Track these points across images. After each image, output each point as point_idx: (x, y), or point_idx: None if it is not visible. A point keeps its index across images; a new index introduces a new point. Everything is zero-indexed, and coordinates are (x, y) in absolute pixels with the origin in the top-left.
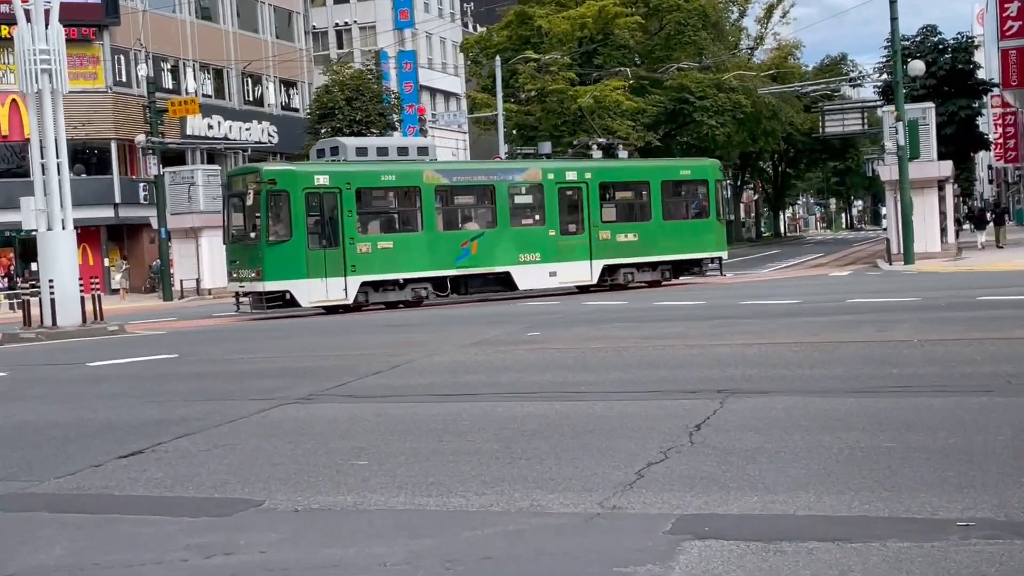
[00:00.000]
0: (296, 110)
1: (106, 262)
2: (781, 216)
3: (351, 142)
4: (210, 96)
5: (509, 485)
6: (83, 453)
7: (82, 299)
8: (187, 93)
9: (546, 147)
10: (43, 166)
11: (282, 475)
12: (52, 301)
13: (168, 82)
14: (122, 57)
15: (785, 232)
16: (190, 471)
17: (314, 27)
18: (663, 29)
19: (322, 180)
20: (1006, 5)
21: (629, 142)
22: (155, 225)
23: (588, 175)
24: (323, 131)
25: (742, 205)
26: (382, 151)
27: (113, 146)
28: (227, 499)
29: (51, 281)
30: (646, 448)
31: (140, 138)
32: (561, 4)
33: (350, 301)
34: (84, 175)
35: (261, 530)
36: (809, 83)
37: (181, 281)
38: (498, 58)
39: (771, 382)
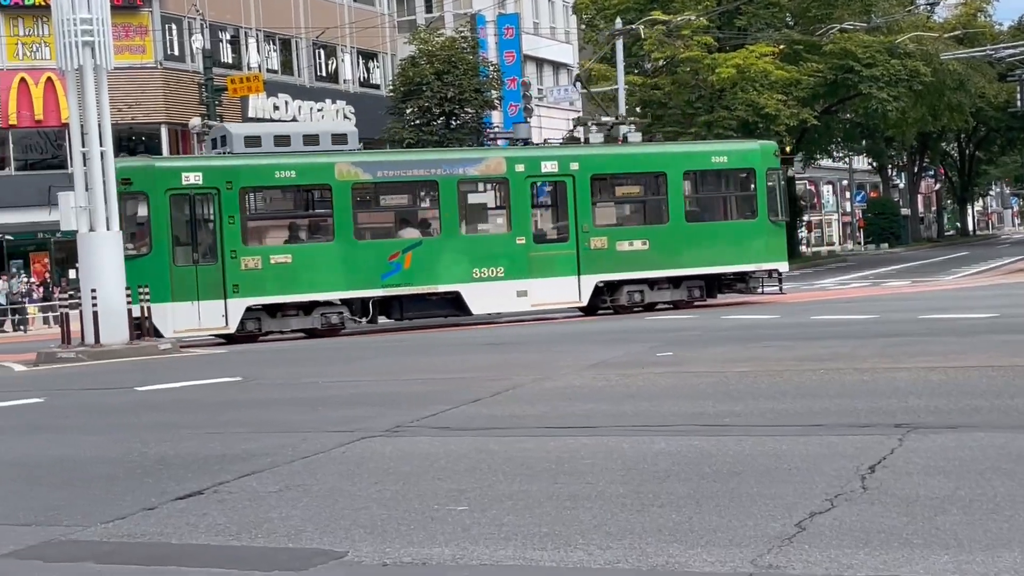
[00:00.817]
0: (377, 86)
1: None
2: (969, 210)
3: (239, 129)
4: (276, 72)
5: (639, 537)
6: (133, 493)
7: (129, 312)
8: (249, 68)
9: (522, 131)
10: (84, 155)
11: (367, 522)
12: (95, 314)
13: (227, 56)
14: (174, 27)
15: (974, 230)
16: (258, 516)
17: None
18: None
19: (192, 178)
20: None
21: (780, 120)
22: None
23: (575, 165)
24: (408, 111)
25: (920, 197)
26: (282, 140)
27: (164, 131)
28: (303, 550)
29: (93, 291)
30: (808, 494)
31: (195, 122)
32: None
33: (232, 329)
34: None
35: None
36: (1004, 45)
37: None
38: (619, 20)
39: (962, 415)
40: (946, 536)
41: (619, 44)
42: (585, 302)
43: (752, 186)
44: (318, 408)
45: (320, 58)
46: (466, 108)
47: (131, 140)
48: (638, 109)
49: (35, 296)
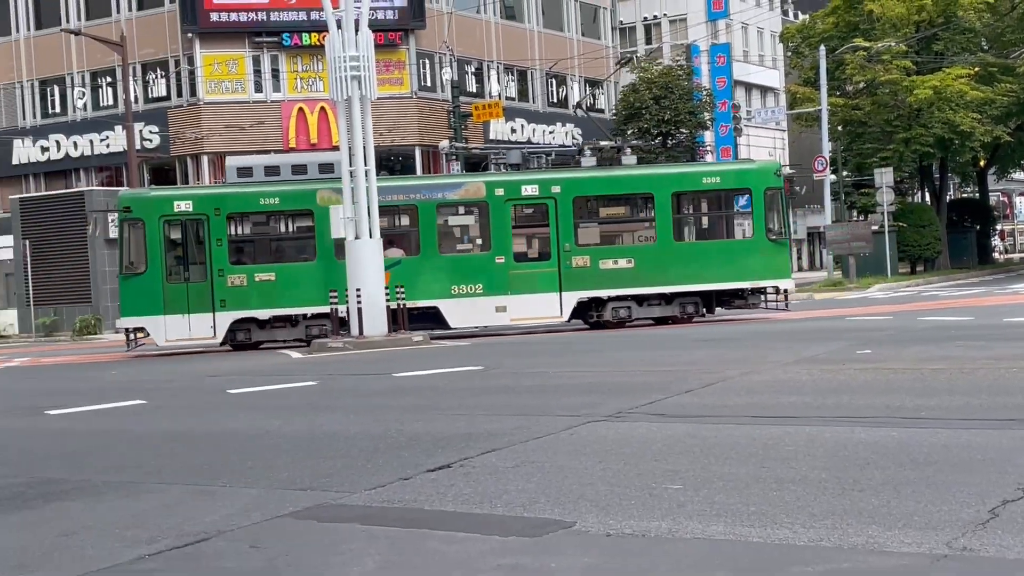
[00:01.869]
0: (601, 111)
1: None
2: None
3: (233, 162)
4: (513, 99)
5: (840, 519)
6: (391, 465)
7: (387, 309)
8: (490, 96)
9: (515, 156)
10: (351, 174)
11: (592, 496)
12: (359, 311)
13: (471, 85)
14: (427, 61)
15: None
16: (498, 488)
17: (621, 22)
18: (1016, 8)
19: (183, 206)
20: None
21: (975, 137)
22: None
23: (556, 188)
24: (629, 132)
25: None
26: (271, 170)
27: (417, 152)
28: (537, 519)
29: (358, 290)
30: (1001, 483)
31: (444, 144)
32: None
33: (219, 340)
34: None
35: (573, 554)
36: None
37: None
38: (822, 47)
39: None
40: None
41: (822, 68)
42: (566, 317)
43: (748, 205)
44: (548, 395)
45: (551, 86)
46: (681, 129)
47: (389, 160)
48: (840, 128)
49: None
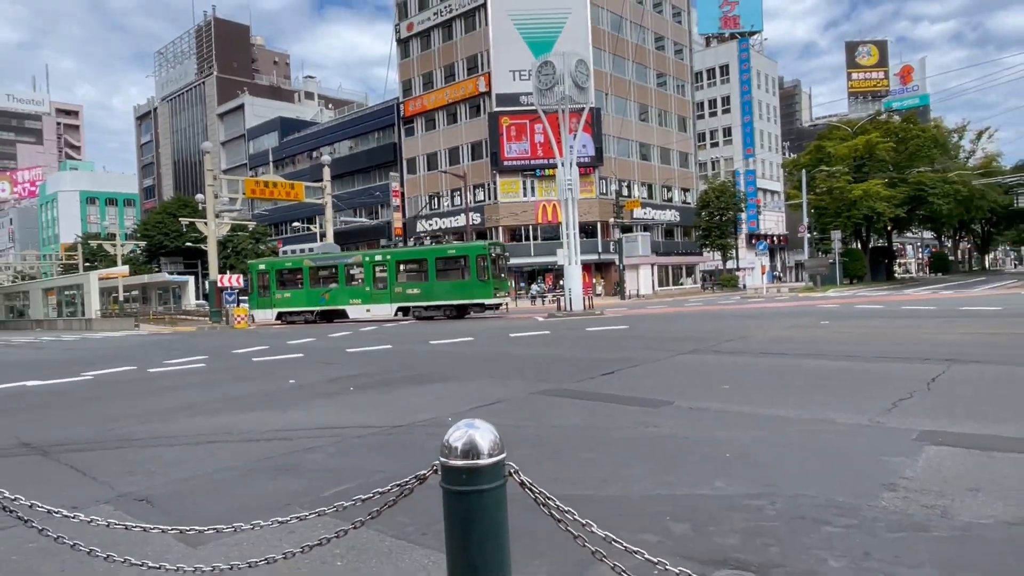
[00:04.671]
0: (689, 203)
1: (594, 280)
2: (986, 258)
3: (318, 246)
4: (644, 198)
5: (811, 407)
6: (588, 372)
7: (583, 298)
8: (632, 197)
9: (332, 246)
10: (568, 235)
11: (680, 390)
12: (570, 300)
13: (624, 191)
14: (604, 180)
15: (989, 268)
16: (634, 384)
17: (699, 160)
18: (907, 150)
19: (262, 267)
20: None
21: (883, 215)
22: (619, 262)
23: (389, 256)
24: (703, 214)
25: (959, 251)
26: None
27: (598, 225)
28: (654, 399)
29: (570, 289)
30: (898, 391)
31: (612, 221)
32: (842, 139)
33: (278, 321)
34: (584, 238)
35: (673, 417)
36: (1008, 177)
37: (628, 289)
38: (804, 171)
39: (985, 356)
40: (973, 414)
41: (804, 181)
42: (392, 315)
43: (467, 264)
44: (655, 343)
45: (663, 192)
46: (727, 213)
47: (585, 229)
48: (812, 211)
49: (543, 291)
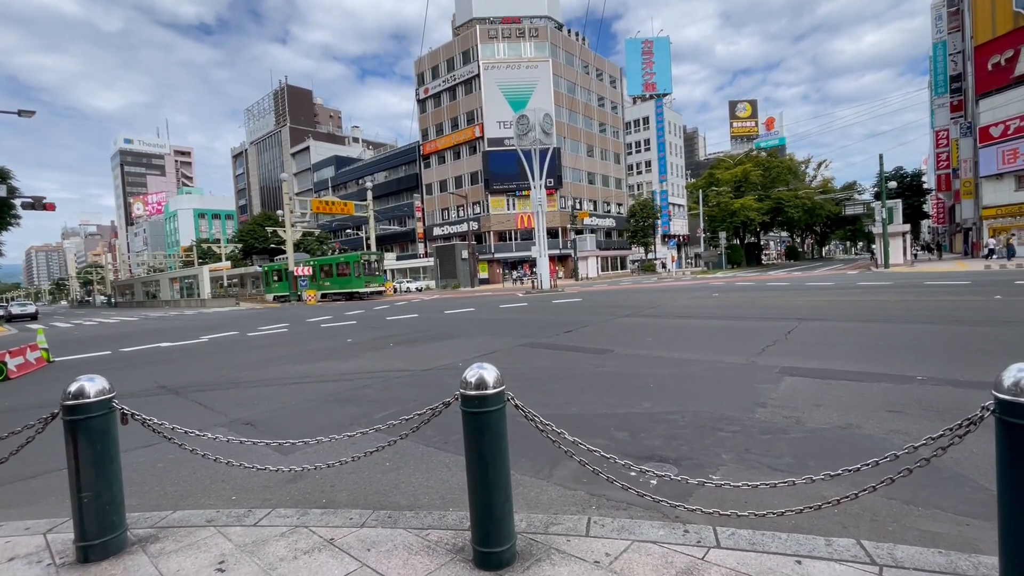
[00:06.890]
0: (621, 214)
1: (557, 268)
2: (823, 250)
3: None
4: (592, 210)
5: (708, 352)
6: (548, 329)
7: (550, 280)
8: (583, 210)
9: (302, 255)
10: (538, 237)
11: (620, 342)
12: (541, 282)
13: (579, 205)
14: (564, 198)
15: (825, 256)
16: (587, 338)
17: (629, 186)
18: (771, 175)
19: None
20: (939, 152)
21: (754, 220)
22: (574, 255)
23: (313, 262)
24: (631, 220)
25: (806, 245)
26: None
27: (560, 231)
28: (600, 348)
29: (541, 274)
30: (765, 340)
31: (569, 227)
32: (727, 168)
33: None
34: (550, 238)
35: (614, 360)
36: (838, 194)
37: (580, 274)
38: (701, 190)
39: (824, 315)
40: (818, 355)
41: (701, 198)
42: (319, 299)
43: (348, 265)
44: (601, 309)
45: (604, 206)
46: (648, 220)
47: (554, 234)
48: (707, 218)
49: (523, 275)
